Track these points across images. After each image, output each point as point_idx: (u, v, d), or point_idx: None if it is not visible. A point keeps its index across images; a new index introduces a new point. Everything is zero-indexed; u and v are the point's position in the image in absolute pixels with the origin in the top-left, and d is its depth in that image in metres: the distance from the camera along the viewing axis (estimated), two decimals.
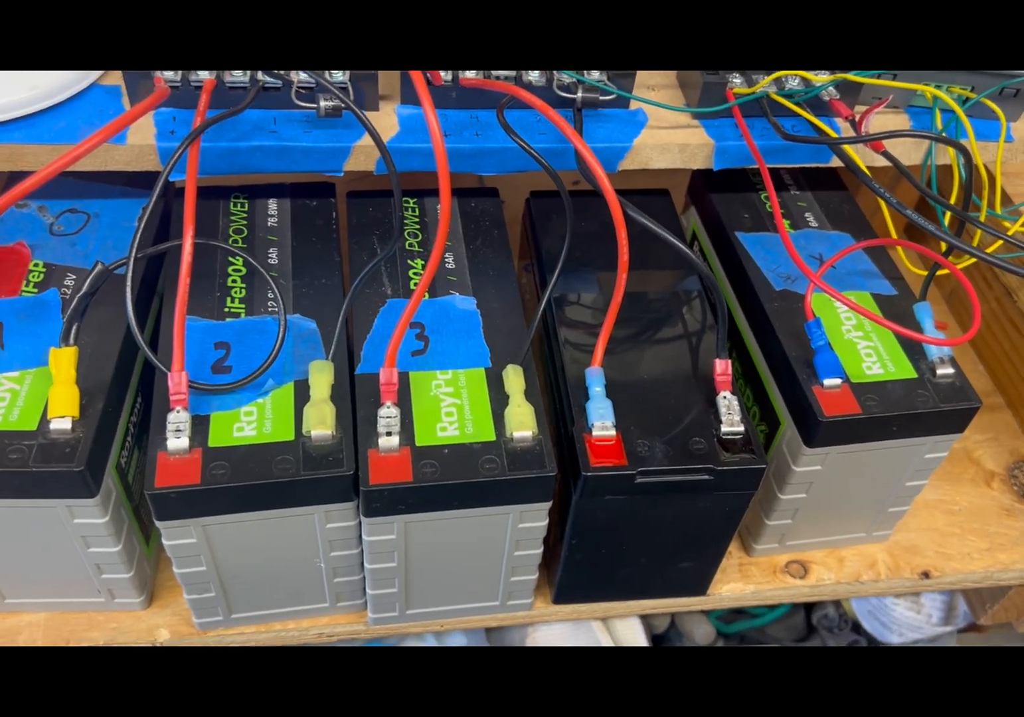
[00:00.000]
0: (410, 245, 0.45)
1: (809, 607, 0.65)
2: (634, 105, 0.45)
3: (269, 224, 0.45)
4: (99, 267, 0.37)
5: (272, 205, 0.46)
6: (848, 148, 0.42)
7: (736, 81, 0.45)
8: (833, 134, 0.42)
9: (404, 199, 0.48)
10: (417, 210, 0.48)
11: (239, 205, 0.46)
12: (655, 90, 0.47)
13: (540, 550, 0.41)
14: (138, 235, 0.36)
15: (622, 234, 0.37)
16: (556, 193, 0.50)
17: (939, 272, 0.44)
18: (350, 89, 0.42)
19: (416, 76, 0.34)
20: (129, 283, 0.36)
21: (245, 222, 0.45)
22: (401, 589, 0.41)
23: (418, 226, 0.47)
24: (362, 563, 0.41)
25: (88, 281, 0.37)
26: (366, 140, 0.42)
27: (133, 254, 0.36)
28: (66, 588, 0.41)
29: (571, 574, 0.43)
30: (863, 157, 0.43)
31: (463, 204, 0.48)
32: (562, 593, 0.44)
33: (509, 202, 0.51)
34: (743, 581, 0.47)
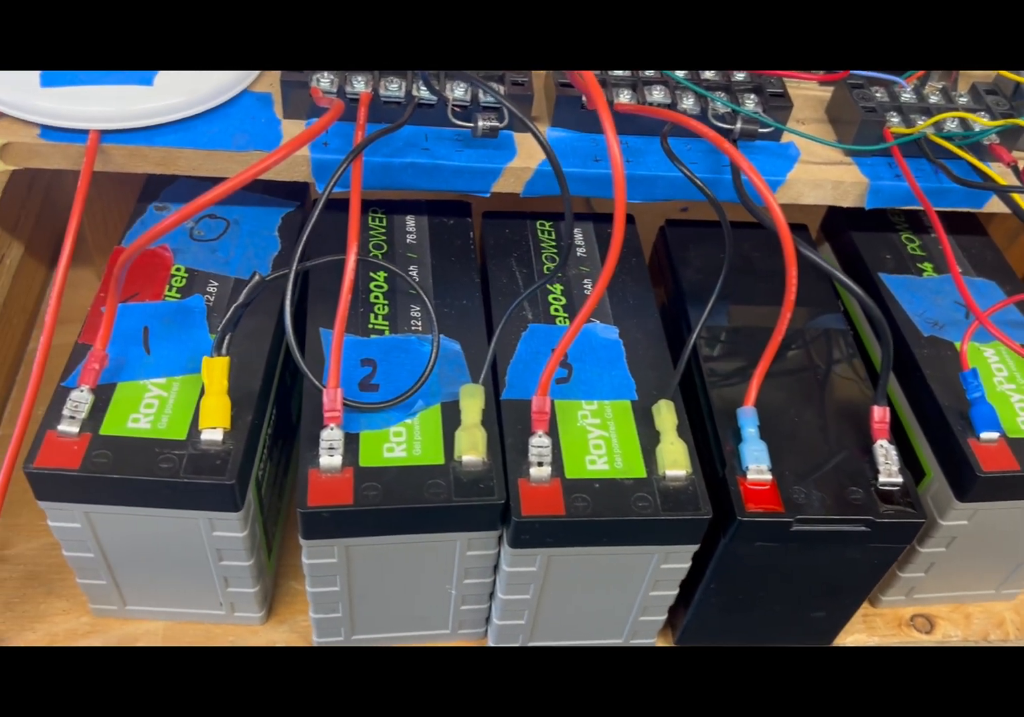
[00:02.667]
0: (548, 269, 0.45)
1: None
2: (785, 138, 0.44)
3: (408, 241, 0.45)
4: (256, 278, 0.37)
5: (410, 221, 0.46)
6: (1016, 196, 0.41)
7: (894, 120, 0.44)
8: (1002, 181, 0.41)
9: (540, 222, 0.47)
10: (553, 233, 0.47)
11: (378, 220, 0.45)
12: (804, 124, 0.46)
13: (676, 592, 0.39)
14: (299, 248, 0.36)
15: (792, 272, 0.36)
16: (691, 223, 0.49)
17: None
18: (505, 110, 0.41)
19: (600, 101, 0.34)
20: (289, 297, 0.36)
21: (384, 238, 0.45)
22: (529, 621, 0.40)
23: (555, 250, 0.46)
24: (491, 592, 0.40)
25: (245, 292, 0.36)
26: (517, 161, 0.42)
27: (294, 267, 0.36)
28: (188, 598, 0.41)
29: (701, 617, 0.41)
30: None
31: (599, 230, 0.47)
32: (687, 635, 0.43)
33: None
34: (867, 632, 0.45)
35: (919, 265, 0.47)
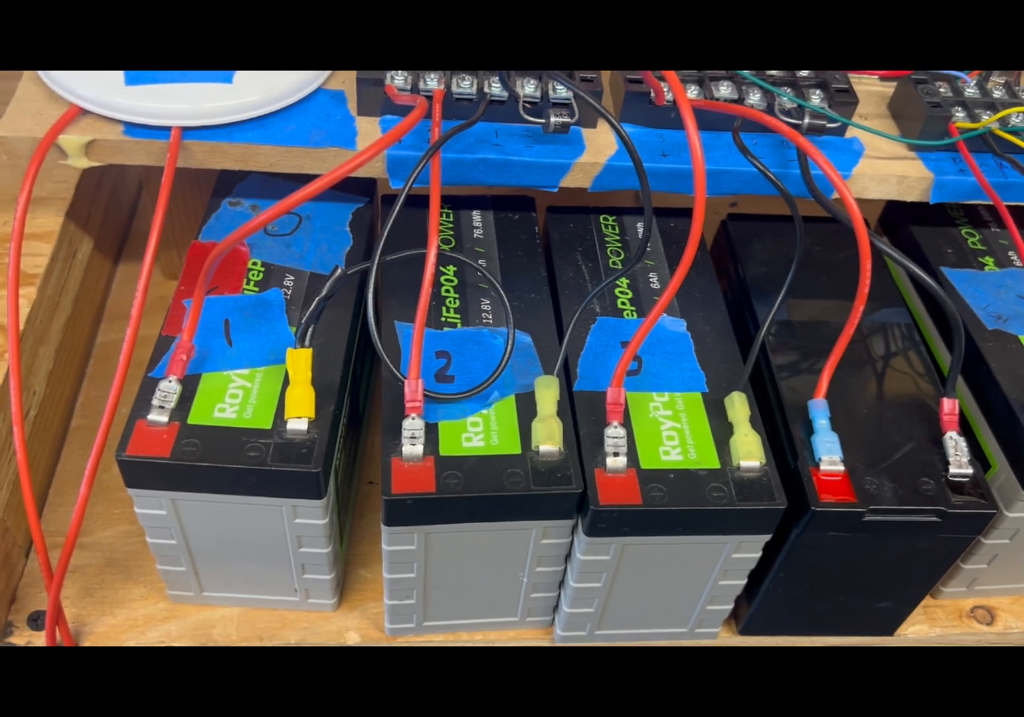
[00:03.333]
0: (613, 263, 0.45)
1: None
2: (849, 133, 0.45)
3: (475, 236, 0.45)
4: (338, 271, 0.38)
5: (476, 217, 0.46)
6: None
7: (959, 115, 0.44)
8: None
9: (603, 216, 0.48)
10: (617, 228, 0.47)
11: (445, 216, 0.46)
12: (868, 119, 0.46)
13: (744, 581, 0.40)
14: (382, 242, 0.37)
15: (866, 265, 0.36)
16: (752, 216, 0.50)
17: None
18: (574, 106, 0.42)
19: (681, 96, 0.34)
20: (372, 289, 0.37)
21: (452, 232, 0.45)
22: (598, 609, 0.41)
23: (619, 244, 0.46)
24: (561, 580, 0.41)
25: (328, 285, 0.37)
26: (586, 157, 0.42)
27: (376, 260, 0.37)
28: (264, 585, 0.42)
29: (767, 607, 0.42)
30: None
31: (663, 224, 0.48)
32: (752, 625, 0.43)
33: None
34: (928, 623, 0.46)
35: (980, 259, 0.47)
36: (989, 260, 0.47)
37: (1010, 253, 0.48)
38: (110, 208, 0.55)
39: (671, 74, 0.35)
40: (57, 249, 0.46)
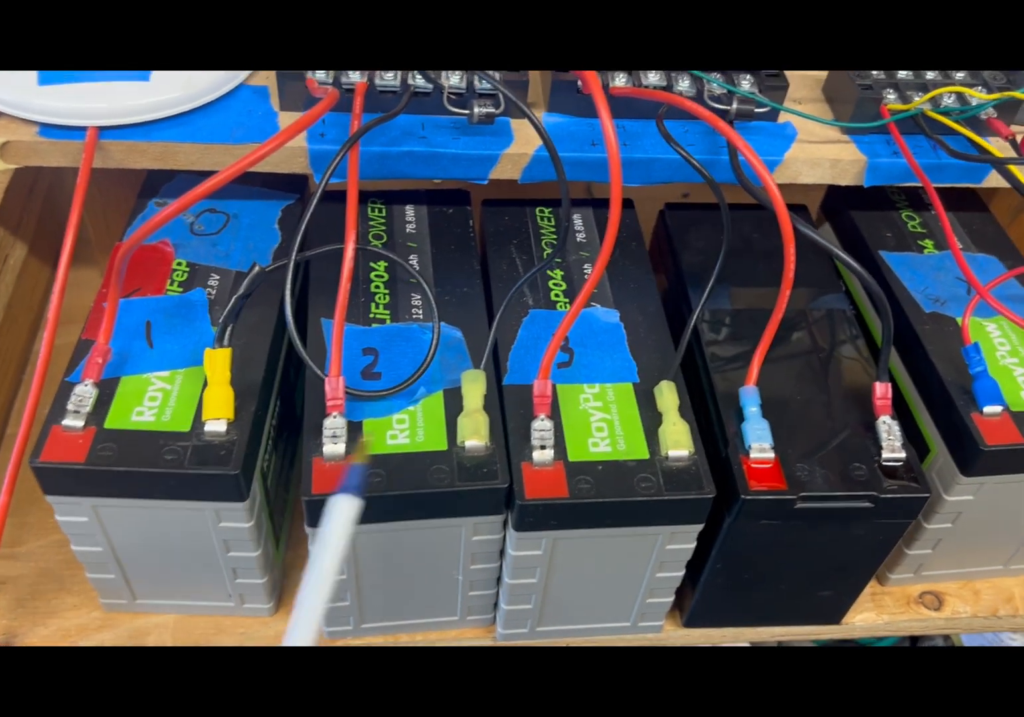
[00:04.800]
0: (547, 255, 0.45)
1: (915, 637, 0.63)
2: (782, 118, 0.44)
3: (408, 230, 0.45)
4: (256, 269, 0.37)
5: (409, 211, 0.46)
6: (1014, 168, 0.41)
7: (890, 97, 0.44)
8: (1000, 154, 0.41)
9: (539, 209, 0.47)
10: (552, 220, 0.47)
11: (377, 210, 0.46)
12: (801, 103, 0.46)
13: (682, 572, 0.39)
14: (298, 238, 0.36)
15: (790, 250, 0.36)
16: (690, 206, 0.49)
17: None
18: (500, 97, 0.41)
19: (594, 84, 0.34)
20: (289, 287, 0.36)
21: (384, 227, 0.45)
22: (536, 605, 0.40)
23: (554, 237, 0.46)
24: (498, 577, 0.40)
25: (245, 283, 0.37)
26: (514, 148, 0.42)
27: (293, 257, 0.36)
28: (197, 591, 0.41)
29: (708, 598, 0.41)
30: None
31: (598, 215, 0.47)
32: (695, 617, 0.43)
33: None
34: (876, 611, 0.45)
35: (919, 242, 0.47)
36: (928, 243, 0.47)
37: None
38: (45, 213, 0.54)
39: None
40: None
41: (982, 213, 0.49)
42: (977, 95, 0.43)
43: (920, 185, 0.43)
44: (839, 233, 0.50)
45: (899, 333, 0.44)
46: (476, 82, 0.41)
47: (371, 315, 0.40)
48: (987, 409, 0.39)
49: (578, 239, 0.46)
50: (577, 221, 0.47)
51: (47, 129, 0.39)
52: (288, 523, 0.45)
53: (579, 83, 0.42)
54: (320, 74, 0.40)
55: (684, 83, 0.43)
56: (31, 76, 0.39)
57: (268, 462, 0.40)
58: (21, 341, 0.51)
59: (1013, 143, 0.42)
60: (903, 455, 0.37)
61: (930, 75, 0.45)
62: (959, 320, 0.42)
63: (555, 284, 0.43)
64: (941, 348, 0.41)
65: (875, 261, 0.46)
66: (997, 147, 0.43)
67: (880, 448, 0.37)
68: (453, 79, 0.41)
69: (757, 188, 0.39)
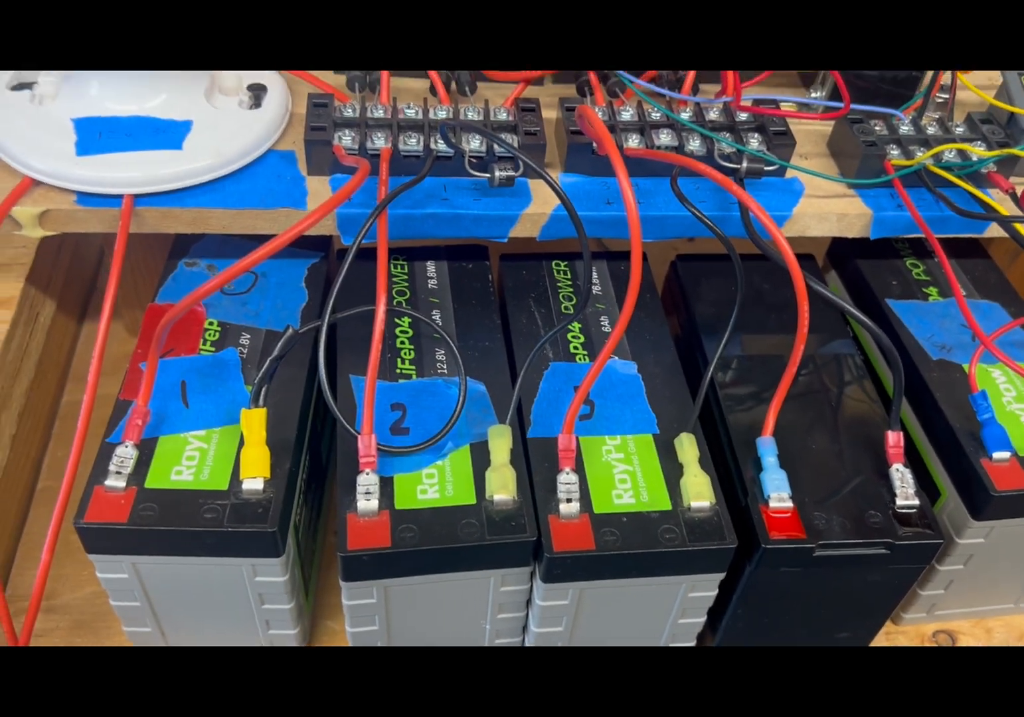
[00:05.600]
0: (565, 308, 0.46)
1: None
2: (790, 174, 0.46)
3: (430, 286, 0.46)
4: (289, 331, 0.38)
5: (431, 267, 0.47)
6: (1019, 226, 0.42)
7: (893, 152, 0.45)
8: (1004, 211, 0.43)
9: (555, 262, 0.49)
10: (568, 273, 0.48)
11: (400, 267, 0.47)
12: (807, 159, 0.48)
13: (704, 619, 0.41)
14: (331, 300, 0.38)
15: (803, 307, 0.37)
16: (703, 257, 0.51)
17: None
18: (519, 158, 0.43)
19: (611, 148, 0.35)
20: (323, 349, 0.37)
21: (407, 284, 0.46)
22: None
23: (571, 289, 0.47)
24: (524, 626, 0.41)
25: (279, 345, 0.38)
26: (533, 208, 0.43)
27: (326, 320, 0.37)
28: (230, 642, 0.42)
29: (728, 642, 0.42)
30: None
31: (612, 267, 0.49)
32: None
33: None
34: None
35: (924, 290, 0.49)
36: (933, 290, 0.49)
37: None
38: (72, 270, 0.56)
39: (599, 124, 0.37)
40: (18, 315, 0.46)
41: (984, 260, 0.51)
42: (977, 151, 0.45)
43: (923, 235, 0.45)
44: (846, 281, 0.51)
45: (908, 381, 0.45)
46: (496, 146, 0.43)
47: (397, 370, 0.42)
48: (996, 455, 0.40)
49: (594, 292, 0.47)
50: (593, 275, 0.48)
51: (84, 197, 0.41)
52: (316, 572, 0.46)
53: (593, 145, 0.44)
54: (346, 140, 0.42)
55: (695, 143, 0.44)
56: (69, 147, 0.41)
57: (300, 516, 0.41)
58: (50, 396, 0.53)
59: (1013, 196, 0.44)
60: (916, 502, 0.38)
61: (931, 130, 0.47)
62: (966, 367, 0.44)
63: (574, 337, 0.45)
64: (949, 395, 0.43)
65: (882, 309, 0.47)
66: (998, 199, 0.45)
67: (894, 495, 0.38)
68: (473, 143, 0.43)
69: (769, 245, 0.40)
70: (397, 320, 0.44)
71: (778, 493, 0.38)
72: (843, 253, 0.52)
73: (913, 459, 0.45)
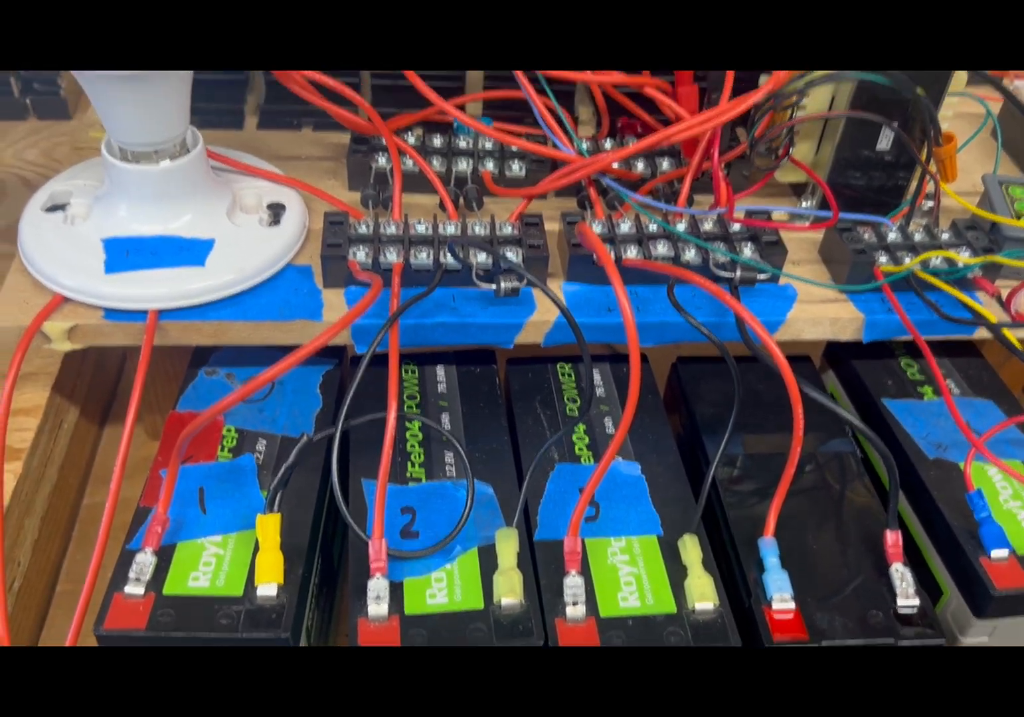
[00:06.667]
0: (570, 410, 0.48)
1: None
2: (783, 280, 0.48)
3: (439, 390, 0.48)
4: (305, 439, 0.40)
5: (440, 372, 0.49)
6: (1008, 332, 0.44)
7: (882, 259, 0.47)
8: (992, 317, 0.44)
9: (560, 365, 0.51)
10: (573, 376, 0.50)
11: (410, 372, 0.49)
12: (799, 265, 0.50)
13: None
14: (344, 410, 0.39)
15: (798, 409, 0.39)
16: (702, 359, 0.53)
17: None
18: (524, 270, 0.45)
19: (606, 260, 0.37)
20: (336, 456, 0.39)
21: (417, 388, 0.48)
22: None
23: (576, 391, 0.49)
24: None
25: (295, 453, 0.40)
26: (537, 316, 0.45)
27: (340, 427, 0.39)
28: None
29: None
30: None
31: (615, 370, 0.51)
32: None
33: None
34: None
35: (919, 389, 0.50)
36: (927, 389, 0.50)
37: (948, 381, 0.50)
38: (96, 377, 0.58)
39: (595, 240, 0.39)
40: (43, 422, 0.48)
41: (976, 358, 0.52)
42: (962, 259, 0.47)
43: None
44: (842, 381, 0.53)
45: (905, 479, 0.46)
46: (501, 259, 0.45)
47: (407, 474, 0.43)
48: (994, 553, 0.41)
49: (598, 394, 0.49)
50: (596, 377, 0.50)
51: (112, 313, 0.43)
52: None
53: (594, 257, 0.46)
54: (360, 255, 0.45)
55: (691, 253, 0.47)
56: (98, 265, 0.43)
57: (312, 620, 0.42)
58: (70, 499, 0.54)
59: (999, 299, 0.46)
60: (917, 602, 0.39)
61: (918, 237, 0.49)
62: (961, 466, 0.45)
63: (578, 438, 0.46)
64: (947, 494, 0.44)
65: (878, 408, 0.48)
66: (984, 302, 0.47)
67: (895, 594, 0.39)
68: (480, 257, 0.45)
69: (764, 353, 0.42)
70: (407, 424, 0.46)
71: (780, 594, 0.38)
72: (839, 353, 0.53)
73: (915, 556, 0.46)
